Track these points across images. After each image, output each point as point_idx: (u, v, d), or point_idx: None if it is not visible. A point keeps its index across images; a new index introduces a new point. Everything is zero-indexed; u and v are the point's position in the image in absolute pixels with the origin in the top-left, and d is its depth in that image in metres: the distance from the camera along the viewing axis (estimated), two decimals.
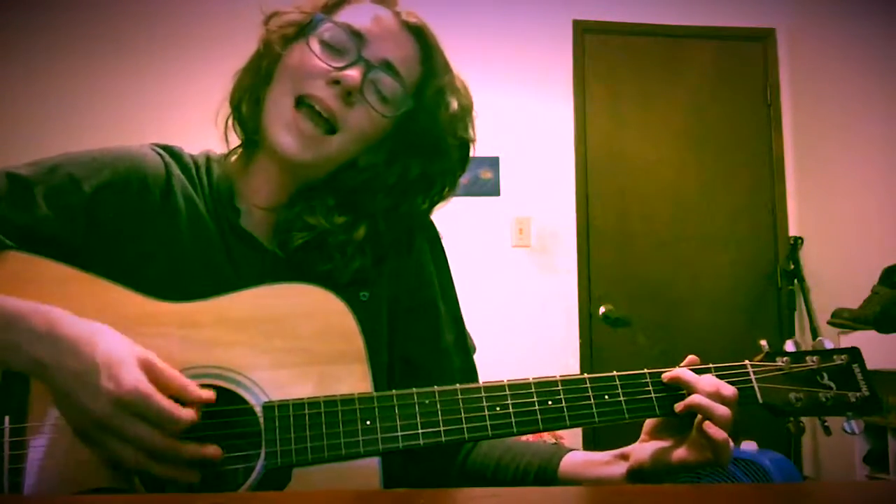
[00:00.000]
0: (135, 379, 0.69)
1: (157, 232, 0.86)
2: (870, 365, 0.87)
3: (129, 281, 0.79)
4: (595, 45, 3.56)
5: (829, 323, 2.83)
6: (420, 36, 0.94)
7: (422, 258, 1.00)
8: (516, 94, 3.45)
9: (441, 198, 1.00)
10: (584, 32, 3.55)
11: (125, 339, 0.73)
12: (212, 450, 0.72)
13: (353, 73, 0.86)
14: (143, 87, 3.22)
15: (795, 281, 3.40)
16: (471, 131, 0.98)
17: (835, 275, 3.23)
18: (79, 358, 0.69)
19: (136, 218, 0.86)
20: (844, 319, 2.74)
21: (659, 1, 3.59)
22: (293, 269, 0.91)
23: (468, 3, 3.48)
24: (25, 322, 0.71)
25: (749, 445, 2.46)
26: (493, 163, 3.42)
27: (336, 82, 0.86)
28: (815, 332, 3.24)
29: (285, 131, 0.87)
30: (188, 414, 0.70)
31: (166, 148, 0.93)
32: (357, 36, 0.89)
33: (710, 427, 0.77)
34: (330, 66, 0.87)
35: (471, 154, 1.00)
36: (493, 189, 3.42)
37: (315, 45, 0.89)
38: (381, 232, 0.95)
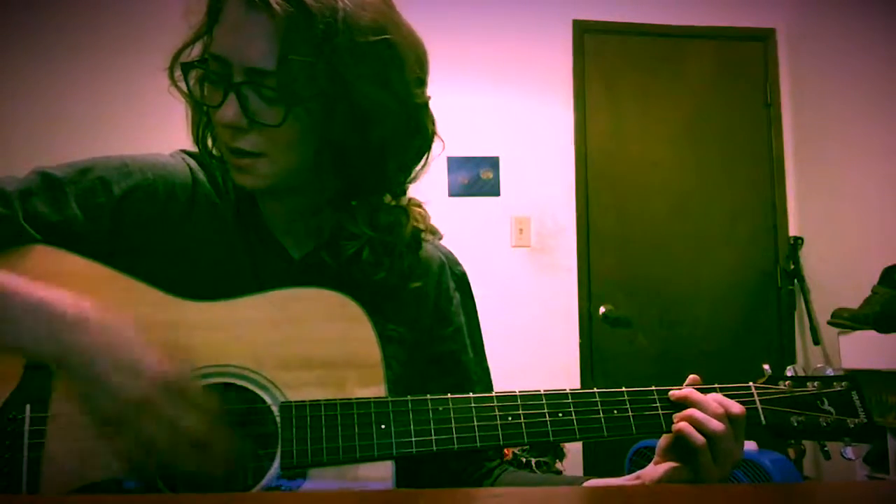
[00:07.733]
0: (179, 362, 0.70)
1: (182, 237, 0.87)
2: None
3: (152, 280, 0.80)
4: (595, 45, 3.55)
5: (829, 323, 2.83)
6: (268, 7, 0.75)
7: (450, 307, 0.97)
8: (516, 94, 3.45)
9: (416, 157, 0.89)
10: (584, 32, 3.54)
11: None
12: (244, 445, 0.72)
13: (227, 111, 0.79)
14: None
15: (795, 281, 3.41)
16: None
17: (835, 275, 3.23)
18: (114, 341, 0.69)
19: (161, 223, 0.86)
20: (844, 319, 2.74)
21: (659, 1, 3.59)
22: (317, 276, 0.88)
23: (468, 4, 3.47)
24: (53, 308, 0.70)
25: (749, 445, 2.46)
26: (493, 163, 3.42)
27: (225, 126, 0.80)
28: (814, 333, 3.25)
29: (236, 172, 0.84)
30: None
31: (194, 155, 0.93)
32: (220, 60, 0.79)
33: (690, 432, 0.78)
34: (212, 107, 0.82)
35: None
36: (493, 189, 3.42)
37: (204, 90, 0.85)
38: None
